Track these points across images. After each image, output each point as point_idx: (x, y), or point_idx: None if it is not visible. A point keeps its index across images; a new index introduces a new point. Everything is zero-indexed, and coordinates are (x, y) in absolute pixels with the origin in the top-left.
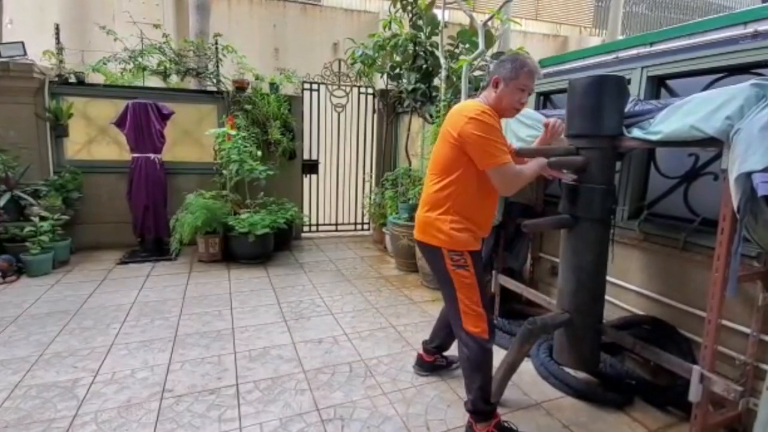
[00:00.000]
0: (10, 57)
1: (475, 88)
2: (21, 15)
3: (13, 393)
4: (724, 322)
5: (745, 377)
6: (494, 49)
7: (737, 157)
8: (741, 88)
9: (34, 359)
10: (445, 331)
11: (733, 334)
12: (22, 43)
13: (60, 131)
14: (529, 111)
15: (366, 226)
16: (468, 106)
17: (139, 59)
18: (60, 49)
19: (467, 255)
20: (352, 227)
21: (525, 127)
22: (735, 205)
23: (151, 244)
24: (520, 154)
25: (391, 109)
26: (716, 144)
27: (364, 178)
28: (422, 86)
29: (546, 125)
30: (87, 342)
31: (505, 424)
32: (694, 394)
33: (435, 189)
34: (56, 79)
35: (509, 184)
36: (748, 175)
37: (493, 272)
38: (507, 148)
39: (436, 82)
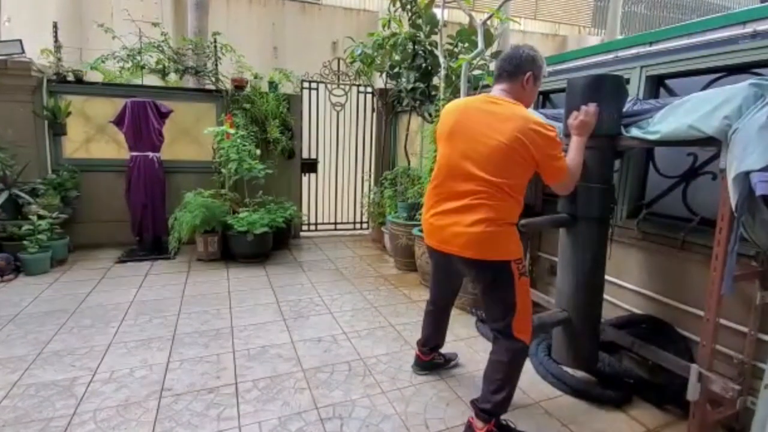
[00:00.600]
0: (7, 55)
1: (474, 87)
2: (18, 13)
3: (11, 392)
4: (722, 321)
5: (742, 376)
6: (493, 48)
7: (735, 156)
8: (739, 87)
9: (32, 358)
10: (436, 334)
11: (731, 333)
12: (20, 40)
13: (58, 129)
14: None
15: (365, 225)
16: (532, 117)
17: (138, 57)
18: (58, 47)
19: (524, 260)
20: (351, 226)
21: None
22: (733, 204)
23: (149, 242)
24: None
25: (390, 108)
26: (714, 143)
27: (363, 177)
28: (421, 85)
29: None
30: (85, 341)
31: (504, 422)
32: (692, 392)
33: (497, 198)
34: (54, 77)
35: (572, 186)
36: (746, 175)
37: None
38: None
39: (435, 81)
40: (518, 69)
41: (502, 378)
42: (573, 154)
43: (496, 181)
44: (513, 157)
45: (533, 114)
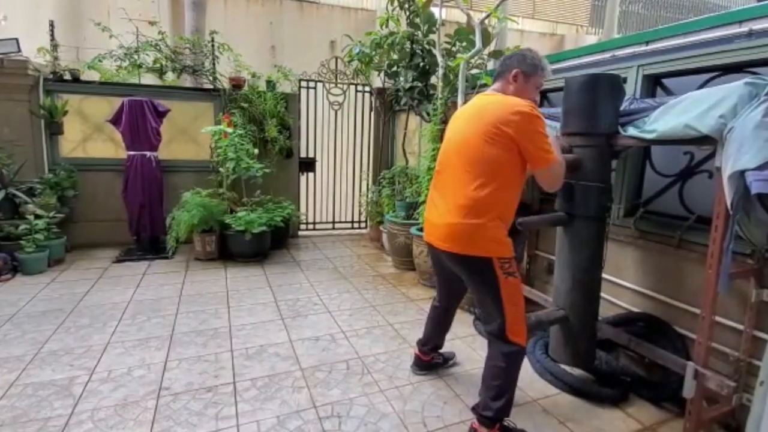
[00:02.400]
0: (4, 54)
1: (472, 87)
2: (14, 11)
3: (9, 391)
4: (718, 318)
5: (738, 373)
6: (491, 47)
7: (730, 155)
8: (735, 86)
9: (30, 358)
10: (436, 335)
11: (727, 330)
12: (17, 39)
13: (55, 129)
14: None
15: (363, 225)
16: (512, 100)
17: (135, 56)
18: (54, 46)
19: (514, 260)
20: (349, 225)
21: None
22: (728, 202)
23: (147, 242)
24: None
25: (388, 107)
26: (710, 142)
27: (361, 177)
28: (419, 84)
29: None
30: (83, 340)
31: (505, 423)
32: (688, 389)
33: (478, 191)
34: (51, 76)
35: (558, 179)
36: (742, 173)
37: None
38: None
39: (433, 80)
40: (506, 68)
41: (500, 384)
42: (558, 154)
43: (471, 170)
44: (491, 150)
45: (520, 100)
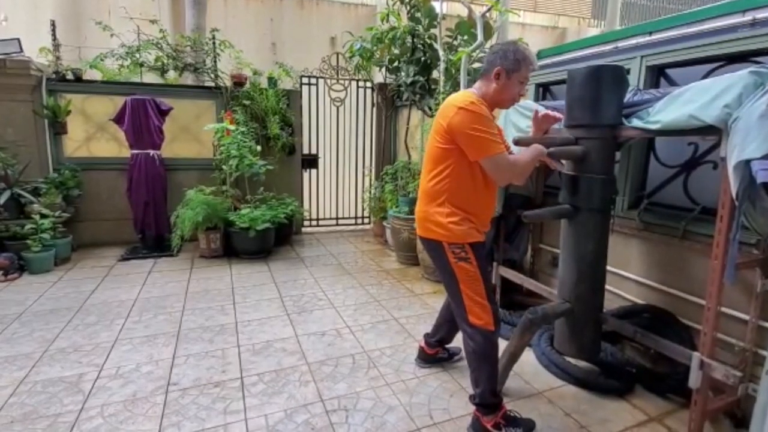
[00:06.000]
0: (6, 54)
1: (474, 81)
2: (15, 11)
3: (19, 389)
4: (724, 309)
5: (744, 363)
6: (493, 40)
7: (736, 145)
8: (739, 76)
9: (39, 355)
10: (447, 325)
11: (732, 320)
12: (18, 39)
13: (58, 128)
14: (528, 102)
15: (366, 220)
16: (457, 97)
17: (136, 55)
18: (56, 46)
19: (468, 247)
20: (353, 221)
21: (524, 118)
22: (733, 192)
23: (152, 240)
24: (519, 144)
25: (390, 103)
26: (715, 132)
27: (363, 172)
28: (421, 79)
29: (538, 116)
30: (91, 338)
31: (511, 414)
32: (694, 380)
33: (429, 182)
34: (53, 76)
35: (504, 174)
36: (747, 163)
37: (494, 263)
38: (500, 137)
39: (434, 74)
40: (490, 65)
41: (474, 368)
42: (522, 156)
43: (427, 163)
44: (434, 133)
45: (468, 95)
